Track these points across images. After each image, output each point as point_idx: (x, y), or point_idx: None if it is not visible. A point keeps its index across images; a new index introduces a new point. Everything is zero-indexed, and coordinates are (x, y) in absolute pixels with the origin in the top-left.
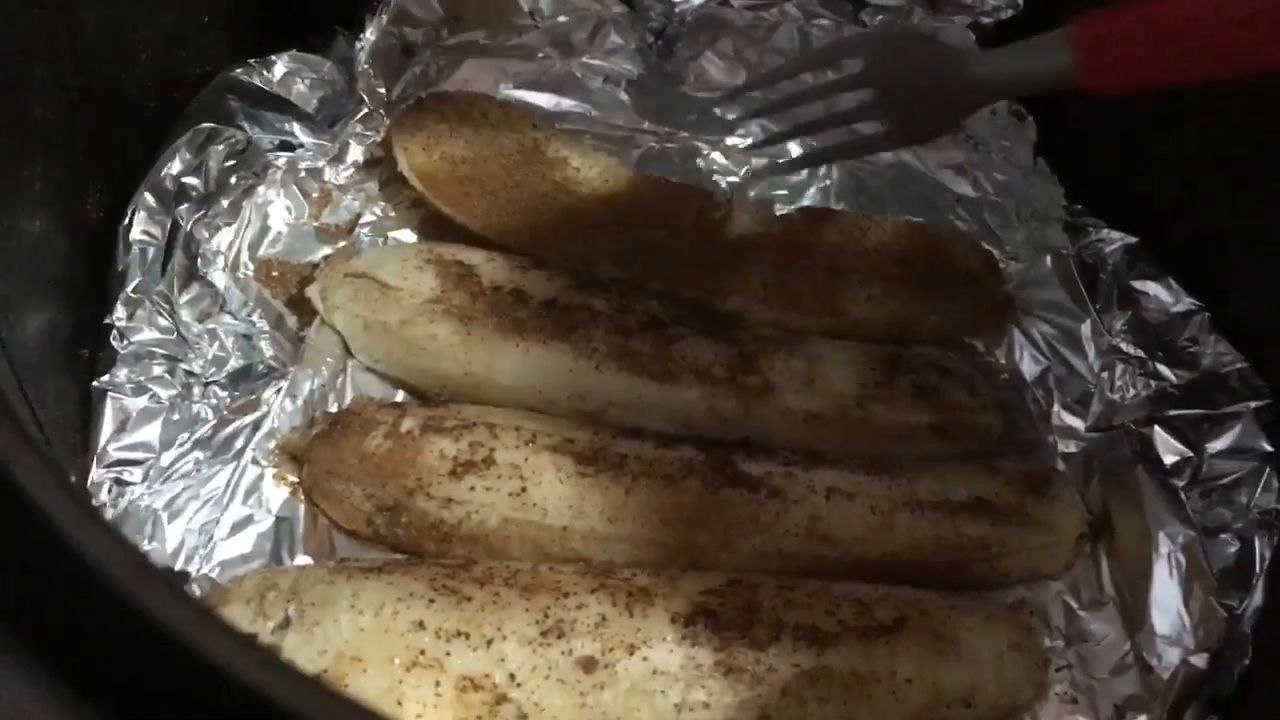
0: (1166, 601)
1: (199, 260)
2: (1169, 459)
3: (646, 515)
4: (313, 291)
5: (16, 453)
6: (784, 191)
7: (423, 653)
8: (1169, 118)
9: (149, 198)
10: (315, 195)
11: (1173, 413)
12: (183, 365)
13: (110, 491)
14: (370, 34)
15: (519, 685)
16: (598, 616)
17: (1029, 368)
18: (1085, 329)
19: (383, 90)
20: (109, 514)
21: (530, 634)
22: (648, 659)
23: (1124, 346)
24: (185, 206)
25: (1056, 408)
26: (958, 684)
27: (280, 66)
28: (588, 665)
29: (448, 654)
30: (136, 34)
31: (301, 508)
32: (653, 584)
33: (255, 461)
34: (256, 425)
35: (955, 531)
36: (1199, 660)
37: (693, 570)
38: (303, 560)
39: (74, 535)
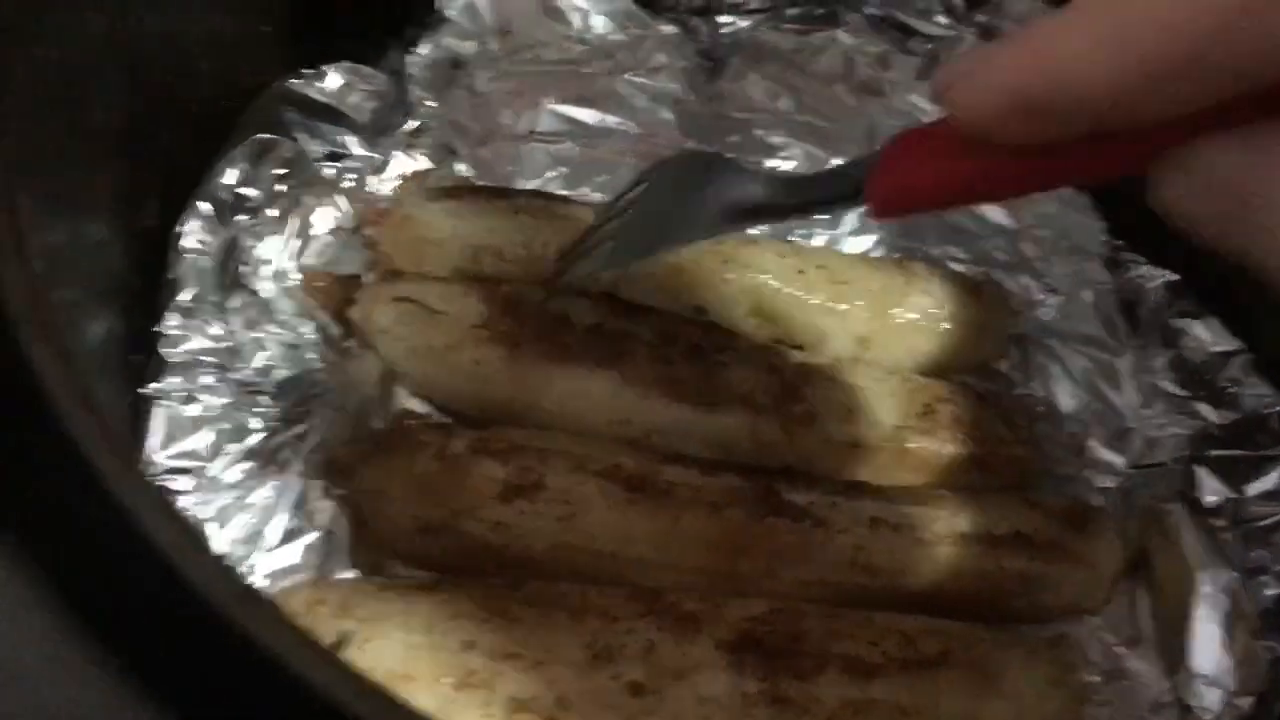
0: (1207, 642)
1: (247, 268)
2: (1209, 499)
3: (693, 542)
4: (356, 314)
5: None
6: (824, 218)
7: (473, 673)
8: None
9: (203, 206)
10: (360, 206)
11: (1213, 453)
12: (231, 374)
13: None
14: (421, 48)
15: (568, 709)
16: (646, 642)
17: (1066, 401)
18: (1124, 365)
19: (432, 103)
20: None
21: (579, 657)
22: (695, 686)
23: (1164, 384)
24: (240, 217)
25: (1094, 442)
26: (999, 719)
27: (333, 77)
28: (636, 690)
29: (498, 675)
30: (196, 44)
31: (348, 521)
32: (699, 610)
33: (302, 473)
34: (304, 436)
35: (997, 564)
36: (1243, 703)
37: (737, 597)
38: (350, 575)
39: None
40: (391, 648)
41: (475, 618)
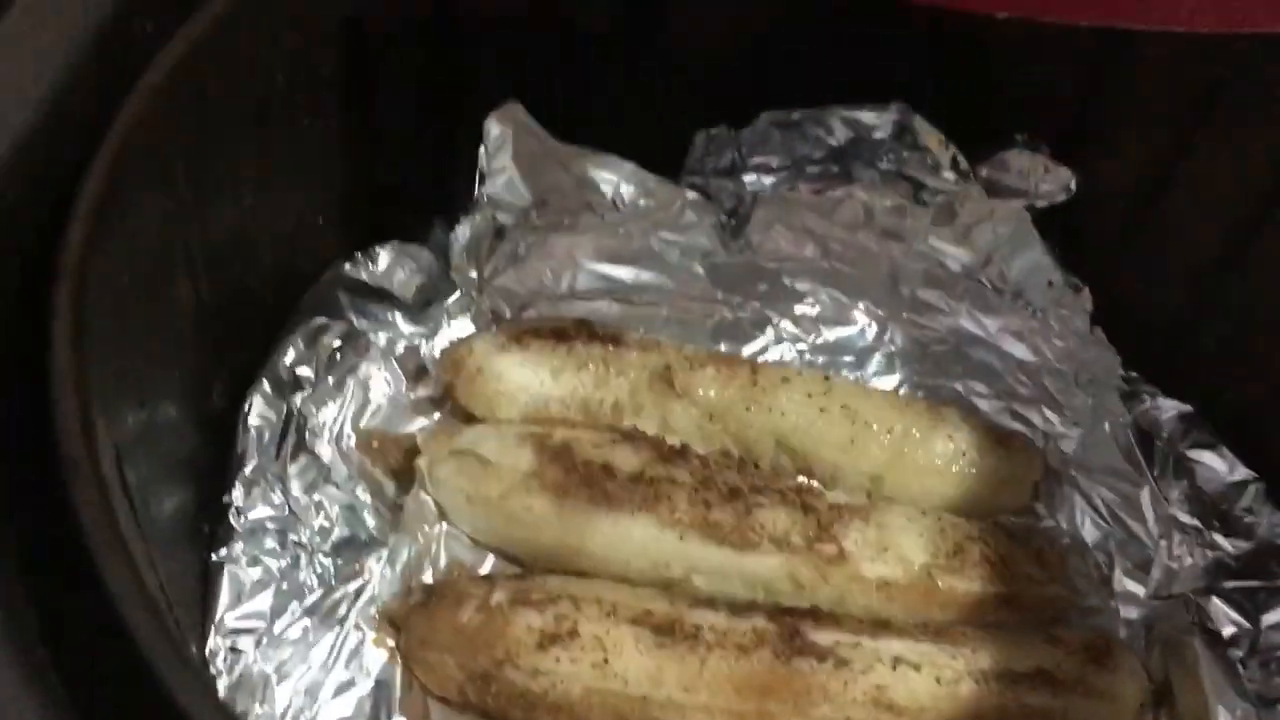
0: None
1: (307, 434)
2: (1227, 630)
3: (721, 684)
4: (421, 464)
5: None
6: (850, 358)
7: None
8: (1216, 291)
9: (266, 386)
10: (411, 370)
11: (1229, 584)
12: (292, 537)
13: (225, 659)
14: (464, 223)
15: None
16: None
17: (1090, 533)
18: (1144, 496)
19: (474, 274)
20: (224, 679)
21: None
22: None
23: (1180, 516)
24: (297, 394)
25: (1118, 573)
26: None
27: (384, 257)
28: None
29: None
30: (260, 238)
31: (399, 672)
32: None
33: (357, 627)
34: (359, 593)
35: (1018, 702)
36: None
37: None
38: None
39: None
40: None
41: None
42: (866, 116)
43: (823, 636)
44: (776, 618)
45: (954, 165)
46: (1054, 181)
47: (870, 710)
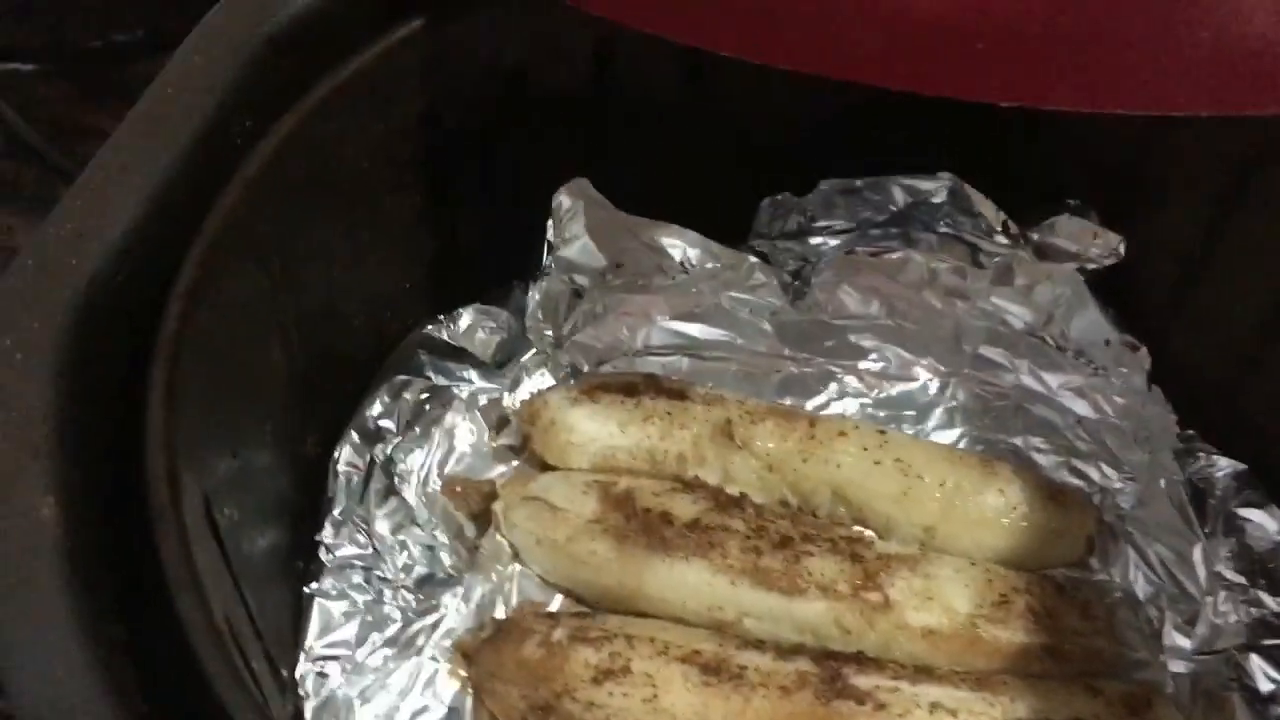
0: None
1: (395, 479)
2: (1265, 687)
3: None
4: (497, 508)
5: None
6: (912, 412)
7: None
8: (1264, 354)
9: (354, 436)
10: (493, 421)
11: (1270, 641)
12: (376, 573)
13: (313, 682)
14: (536, 288)
15: None
16: None
17: (1143, 588)
18: (1196, 553)
19: (549, 331)
20: (311, 701)
21: None
22: None
23: (1226, 573)
24: (380, 445)
25: (1168, 628)
26: None
27: (465, 318)
28: None
29: None
30: (349, 306)
31: (469, 701)
32: None
33: (433, 658)
34: (435, 626)
35: None
36: None
37: None
38: None
39: None
40: None
41: None
42: (923, 184)
43: (863, 680)
44: (821, 661)
45: (1005, 229)
46: (1103, 246)
47: None
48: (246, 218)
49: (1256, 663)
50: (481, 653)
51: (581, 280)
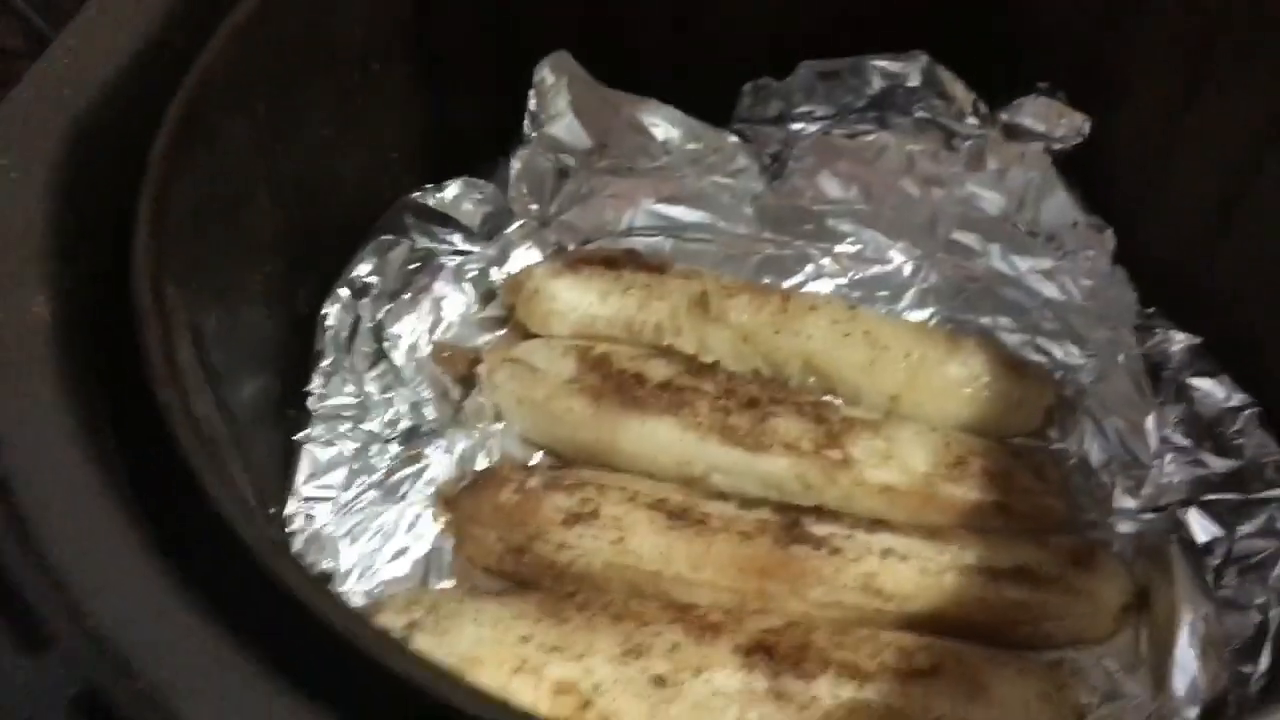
0: (1186, 666)
1: (384, 343)
2: (1203, 538)
3: (724, 565)
4: (481, 369)
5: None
6: (885, 292)
7: (526, 660)
8: (1222, 231)
9: (342, 293)
10: (480, 292)
11: (1211, 497)
12: (363, 425)
13: (302, 521)
14: (517, 160)
15: (602, 693)
16: (671, 643)
17: (1097, 456)
18: (1149, 422)
19: (534, 206)
20: (300, 538)
21: (614, 652)
22: (710, 681)
23: (1174, 437)
24: (366, 300)
25: (1117, 491)
26: None
27: (451, 189)
28: (659, 682)
29: (546, 663)
30: (339, 169)
31: (449, 543)
32: (723, 621)
33: (416, 504)
34: (419, 474)
35: (999, 594)
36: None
37: (763, 614)
38: (446, 584)
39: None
40: (464, 639)
41: (532, 617)
42: (898, 66)
43: (820, 528)
44: (781, 511)
45: (975, 111)
46: (1069, 126)
47: (860, 595)
48: (235, 64)
49: (1194, 516)
50: (461, 499)
51: (567, 160)
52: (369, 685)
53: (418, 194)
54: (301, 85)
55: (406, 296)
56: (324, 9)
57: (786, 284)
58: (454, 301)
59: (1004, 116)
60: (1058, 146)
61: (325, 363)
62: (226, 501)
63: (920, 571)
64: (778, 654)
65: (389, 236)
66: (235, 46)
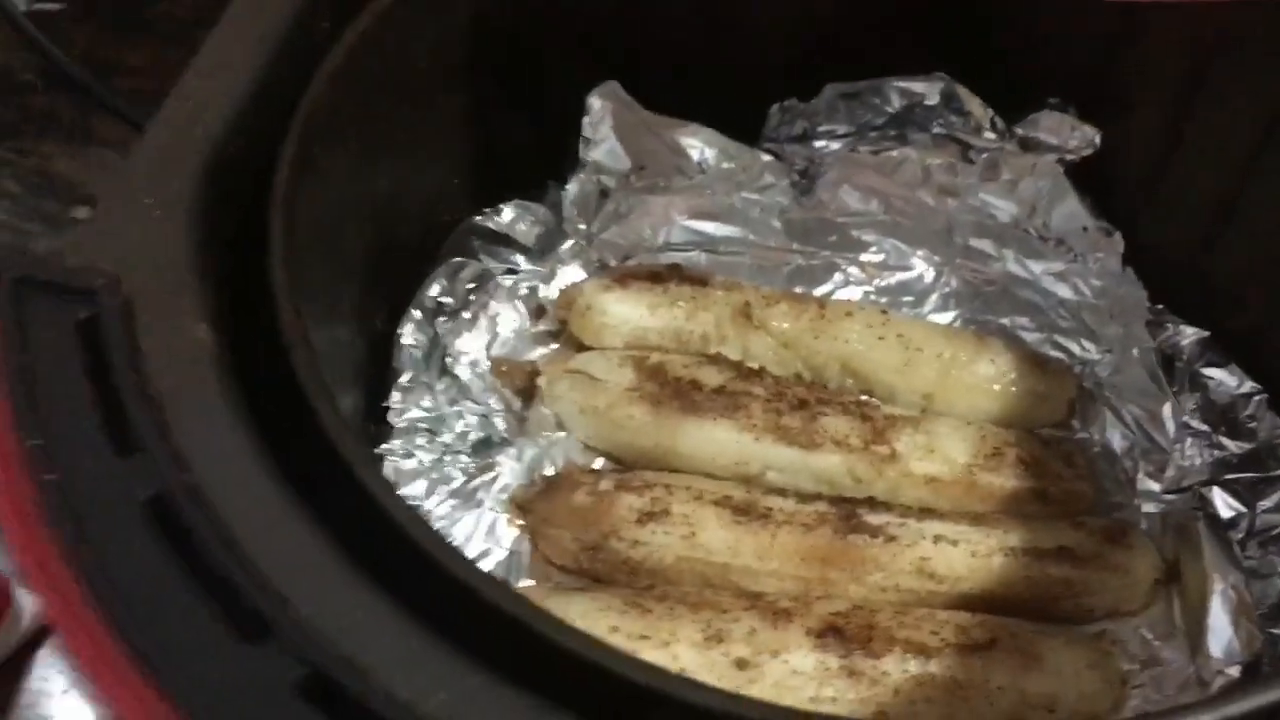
0: (1221, 631)
1: (449, 360)
2: (1226, 514)
3: (789, 555)
4: (542, 381)
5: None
6: (910, 298)
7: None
8: (1222, 231)
9: (416, 314)
10: (531, 308)
11: (1230, 476)
12: (439, 438)
13: None
14: (573, 184)
15: (689, 677)
16: (749, 629)
17: (1119, 443)
18: (1166, 410)
19: (583, 225)
20: None
21: (697, 639)
22: (787, 662)
23: (1193, 423)
24: (440, 319)
25: (1141, 475)
26: (1041, 692)
27: (507, 212)
28: (741, 664)
29: (636, 651)
30: (411, 197)
31: (526, 545)
32: (793, 606)
33: (492, 509)
34: (493, 482)
35: (1043, 572)
36: (1235, 671)
37: (825, 598)
38: (527, 583)
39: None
40: None
41: (617, 609)
42: (918, 86)
43: (875, 518)
44: (837, 504)
45: (993, 126)
46: (1081, 138)
47: (916, 578)
48: (331, 106)
49: (1218, 494)
50: (535, 503)
51: (608, 181)
52: (551, 667)
53: (479, 217)
54: (382, 119)
55: (466, 315)
56: (398, 49)
57: (817, 292)
58: (508, 318)
59: (1019, 130)
60: (1071, 157)
61: (403, 379)
62: (397, 509)
63: (970, 554)
64: (847, 635)
65: (457, 259)
66: (332, 87)
